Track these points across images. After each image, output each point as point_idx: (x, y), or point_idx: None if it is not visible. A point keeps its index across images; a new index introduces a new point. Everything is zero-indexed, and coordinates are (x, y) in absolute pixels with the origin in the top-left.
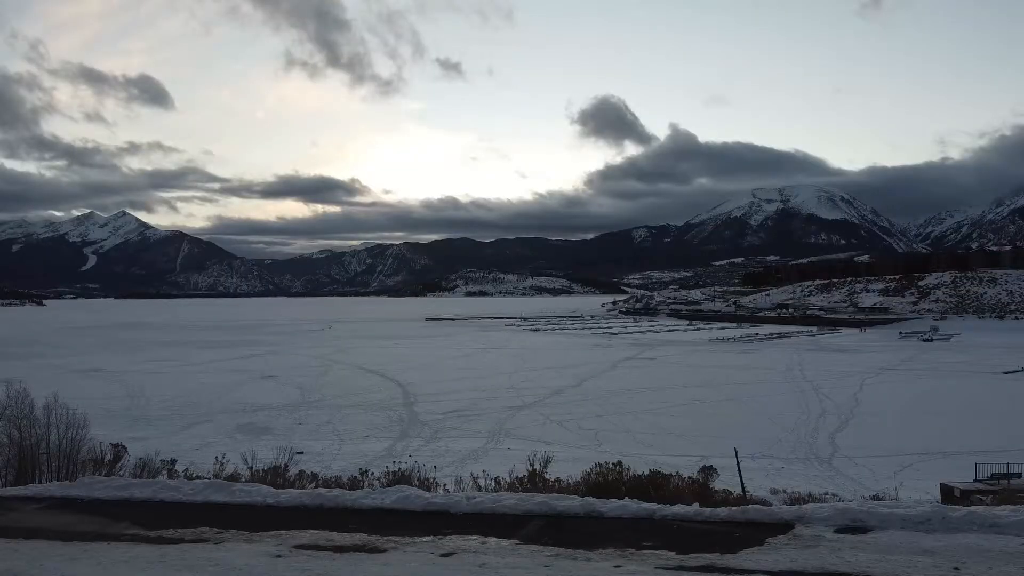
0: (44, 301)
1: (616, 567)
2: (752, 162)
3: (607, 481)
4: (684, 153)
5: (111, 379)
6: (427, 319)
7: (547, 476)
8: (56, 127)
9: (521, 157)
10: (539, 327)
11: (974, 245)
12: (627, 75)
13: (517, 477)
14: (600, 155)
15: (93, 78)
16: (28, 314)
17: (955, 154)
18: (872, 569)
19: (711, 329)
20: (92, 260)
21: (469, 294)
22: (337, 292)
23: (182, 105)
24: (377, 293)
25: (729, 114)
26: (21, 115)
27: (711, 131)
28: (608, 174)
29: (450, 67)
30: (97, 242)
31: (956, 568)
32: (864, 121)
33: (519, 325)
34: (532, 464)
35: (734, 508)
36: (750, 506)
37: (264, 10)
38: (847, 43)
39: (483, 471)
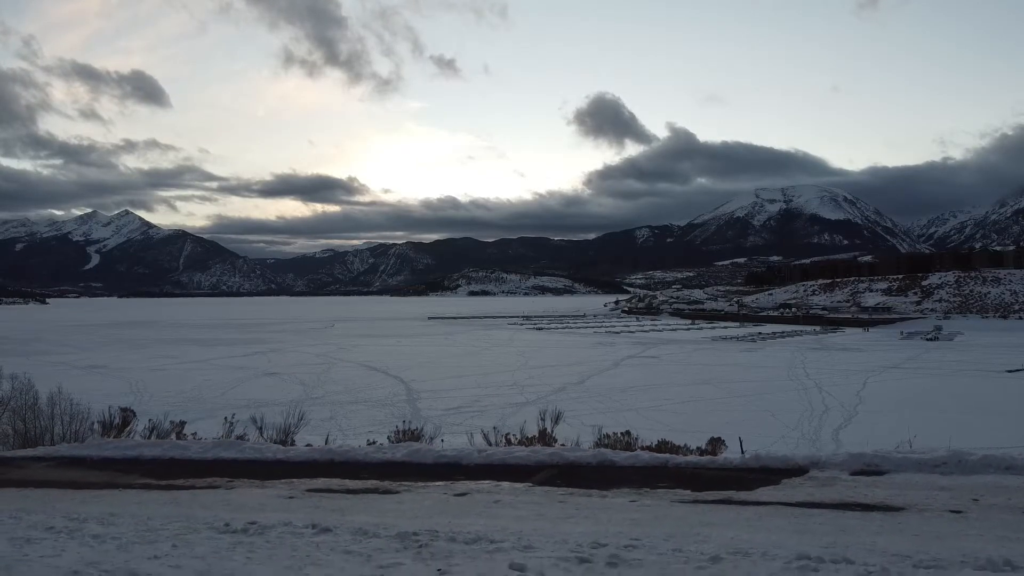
0: (47, 300)
1: (631, 502)
2: (751, 162)
3: (615, 449)
4: (683, 153)
5: (114, 375)
6: (430, 318)
7: (556, 438)
8: (51, 125)
9: (519, 156)
10: (542, 326)
11: (977, 246)
12: (622, 74)
13: (527, 436)
14: (598, 154)
15: (87, 75)
16: (31, 312)
17: (956, 154)
18: (891, 501)
19: (714, 328)
20: (95, 259)
21: (472, 293)
22: (340, 291)
23: (178, 103)
24: (380, 292)
25: (725, 113)
26: (16, 112)
27: (708, 130)
28: (607, 174)
29: (445, 64)
30: (100, 241)
31: (975, 500)
32: (863, 121)
33: (522, 324)
34: (543, 421)
35: (747, 457)
36: (763, 453)
37: (259, 8)
38: (843, 43)
39: (493, 427)
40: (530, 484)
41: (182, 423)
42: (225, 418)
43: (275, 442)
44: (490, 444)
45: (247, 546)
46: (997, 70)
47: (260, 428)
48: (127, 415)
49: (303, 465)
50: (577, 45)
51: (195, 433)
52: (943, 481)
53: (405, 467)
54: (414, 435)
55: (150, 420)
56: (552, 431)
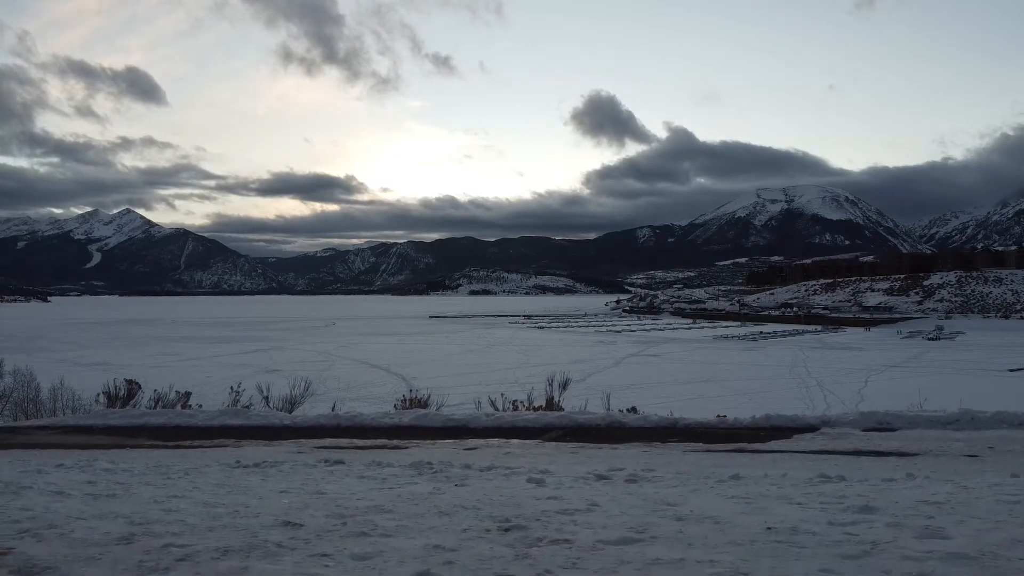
0: (49, 298)
1: (643, 452)
2: (750, 162)
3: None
4: (682, 152)
5: (116, 372)
6: (431, 317)
7: (563, 407)
8: (47, 122)
9: (517, 156)
10: (543, 325)
11: (979, 246)
12: (618, 72)
13: (535, 405)
14: (597, 153)
15: (81, 71)
16: (33, 310)
17: (956, 154)
18: (905, 449)
19: (715, 327)
20: (97, 257)
21: (473, 293)
22: (341, 290)
23: (175, 101)
24: (381, 291)
25: (722, 112)
26: (11, 109)
27: (705, 129)
28: (606, 173)
29: (441, 62)
30: (102, 239)
31: (990, 448)
32: (862, 120)
33: (523, 323)
34: (550, 388)
35: (758, 417)
36: (773, 414)
37: (255, 6)
38: (840, 42)
39: (501, 394)
40: (540, 441)
41: (187, 394)
42: (231, 388)
43: (281, 411)
44: (497, 410)
45: (260, 474)
46: (997, 70)
47: (266, 398)
48: (132, 387)
49: (311, 429)
50: (572, 44)
51: (200, 405)
52: (956, 435)
53: (413, 430)
54: (421, 403)
55: (155, 391)
56: (559, 400)
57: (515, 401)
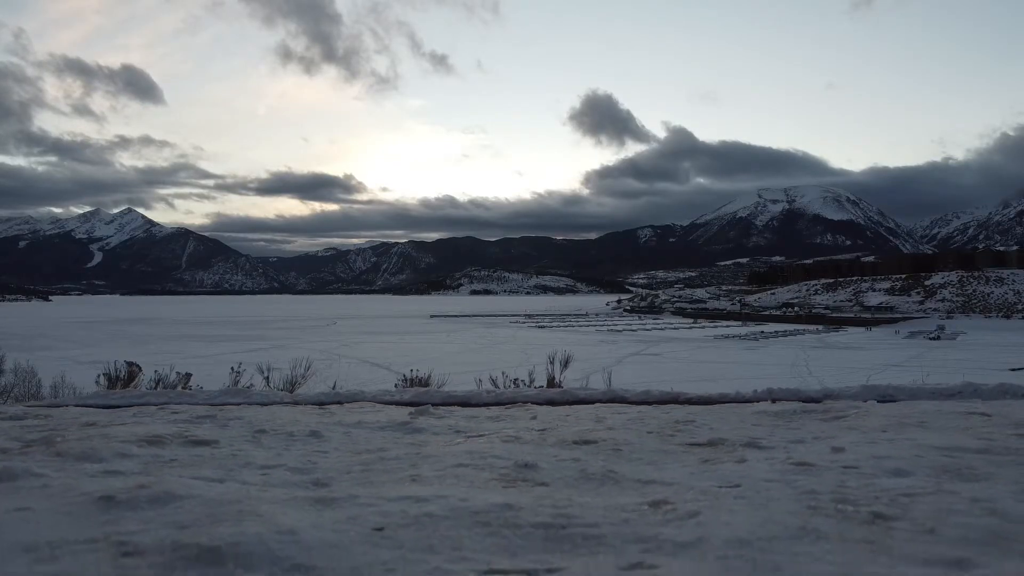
0: (50, 297)
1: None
2: (749, 162)
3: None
4: (681, 152)
5: None
6: (432, 316)
7: (564, 385)
8: (44, 121)
9: (516, 155)
10: (544, 324)
11: (980, 247)
12: (615, 71)
13: (536, 384)
14: (596, 153)
15: (78, 70)
16: (34, 309)
17: (956, 154)
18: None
19: (716, 327)
20: (98, 257)
21: (474, 292)
22: (342, 290)
23: (173, 99)
24: (382, 291)
25: (721, 112)
26: (9, 108)
27: (703, 129)
28: (605, 173)
29: (438, 60)
30: (103, 239)
31: (993, 414)
32: (862, 120)
33: (524, 322)
34: (551, 365)
35: (760, 391)
36: (775, 388)
37: (252, 5)
38: (838, 42)
39: (502, 372)
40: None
41: (188, 375)
42: (232, 368)
43: (282, 391)
44: (498, 387)
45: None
46: (997, 70)
47: (267, 378)
48: (133, 369)
49: (311, 405)
50: (568, 42)
51: (201, 387)
52: (960, 405)
53: (414, 404)
54: (422, 382)
55: (156, 371)
56: (560, 379)
57: (516, 379)
